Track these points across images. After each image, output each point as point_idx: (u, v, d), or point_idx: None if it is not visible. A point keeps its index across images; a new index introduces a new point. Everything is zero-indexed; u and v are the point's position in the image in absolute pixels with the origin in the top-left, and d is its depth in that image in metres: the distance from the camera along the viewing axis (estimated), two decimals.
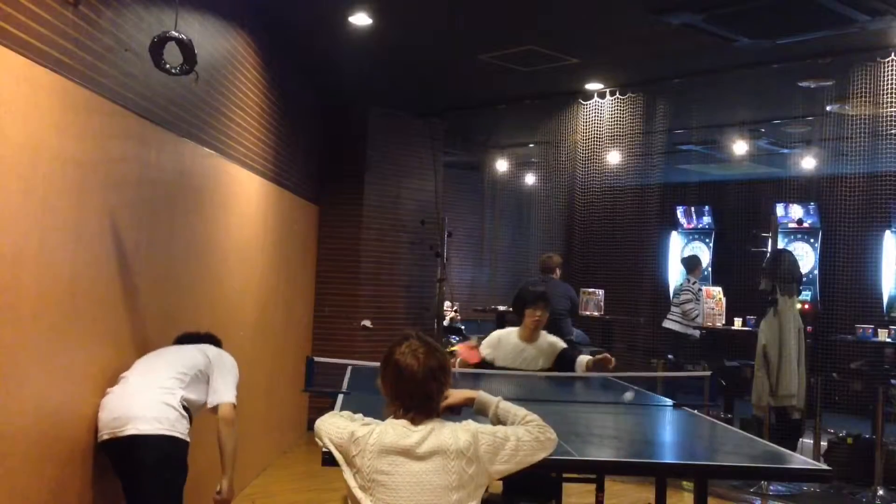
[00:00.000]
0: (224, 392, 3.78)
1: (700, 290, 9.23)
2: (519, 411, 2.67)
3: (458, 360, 5.21)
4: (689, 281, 9.41)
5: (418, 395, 2.53)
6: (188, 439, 3.53)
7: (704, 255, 11.91)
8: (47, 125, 2.98)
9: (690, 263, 9.73)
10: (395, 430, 2.47)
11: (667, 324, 9.31)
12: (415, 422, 2.50)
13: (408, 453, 2.43)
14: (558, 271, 8.55)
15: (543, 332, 5.29)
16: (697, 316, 9.00)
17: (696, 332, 9.01)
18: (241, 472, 5.97)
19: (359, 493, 2.45)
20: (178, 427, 3.47)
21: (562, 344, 5.29)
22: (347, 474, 2.49)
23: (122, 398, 3.44)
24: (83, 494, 3.38)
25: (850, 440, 6.81)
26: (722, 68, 6.59)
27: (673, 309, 9.40)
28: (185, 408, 3.56)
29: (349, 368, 4.74)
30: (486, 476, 2.48)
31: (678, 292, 9.40)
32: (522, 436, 2.55)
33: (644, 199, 9.07)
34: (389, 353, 2.59)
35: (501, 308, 9.17)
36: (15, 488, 2.83)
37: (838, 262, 7.92)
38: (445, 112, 8.80)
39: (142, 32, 3.81)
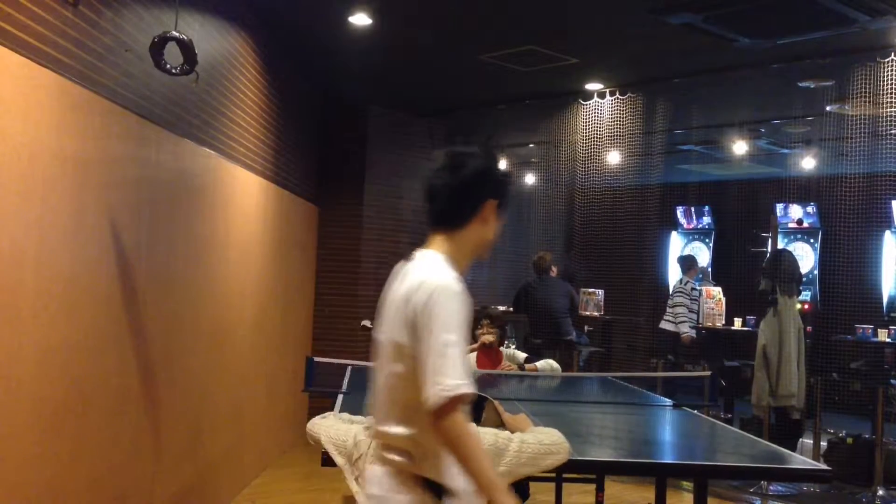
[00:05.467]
0: None
1: (693, 289, 9.20)
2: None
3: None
4: (681, 282, 9.40)
5: None
6: None
7: (704, 255, 11.90)
8: (47, 125, 2.98)
9: (686, 263, 9.72)
10: None
11: (662, 324, 9.32)
12: None
13: None
14: (554, 269, 8.55)
15: (501, 349, 5.25)
16: (685, 321, 8.99)
17: (691, 332, 8.98)
18: (240, 472, 5.98)
19: (362, 499, 2.44)
20: None
21: (521, 356, 5.27)
22: (350, 478, 2.48)
23: None
24: (79, 493, 3.38)
25: (850, 440, 6.80)
26: (722, 68, 6.59)
27: (668, 309, 9.41)
28: None
29: (349, 368, 4.75)
30: None
31: (672, 294, 9.40)
32: (527, 439, 2.53)
33: (644, 199, 9.06)
34: None
35: (501, 308, 9.17)
36: (15, 488, 2.83)
37: (838, 262, 7.90)
38: (445, 112, 8.79)
39: (142, 32, 3.81)
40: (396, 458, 2.10)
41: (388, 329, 2.19)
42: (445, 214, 2.26)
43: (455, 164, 2.26)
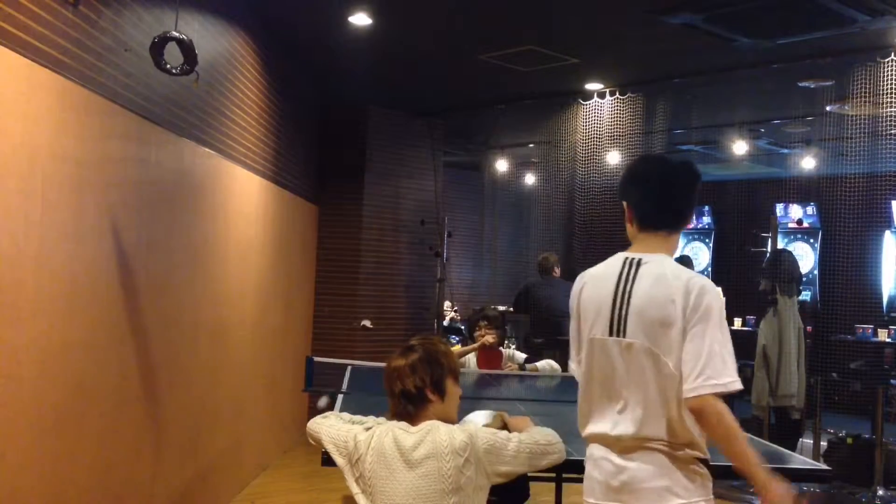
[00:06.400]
0: None
1: None
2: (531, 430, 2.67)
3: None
4: None
5: (395, 391, 2.55)
6: None
7: (704, 254, 11.90)
8: (47, 125, 2.98)
9: (682, 264, 9.73)
10: (394, 433, 2.47)
11: None
12: (413, 422, 2.50)
13: (404, 456, 2.42)
14: (557, 270, 8.55)
15: (501, 349, 5.30)
16: None
17: None
18: (240, 472, 5.98)
19: (361, 500, 2.45)
20: None
21: (521, 356, 5.36)
22: (350, 478, 2.49)
23: None
24: (79, 492, 3.38)
25: (850, 440, 6.80)
26: (722, 68, 6.59)
27: None
28: None
29: (349, 368, 4.75)
30: (486, 477, 2.46)
31: None
32: (524, 438, 2.54)
33: None
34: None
35: (501, 308, 9.17)
36: (15, 488, 2.83)
37: (838, 262, 7.91)
38: (445, 112, 8.80)
39: (142, 32, 3.81)
40: (667, 448, 2.26)
41: (645, 333, 2.26)
42: (673, 217, 2.39)
43: (687, 172, 2.41)
